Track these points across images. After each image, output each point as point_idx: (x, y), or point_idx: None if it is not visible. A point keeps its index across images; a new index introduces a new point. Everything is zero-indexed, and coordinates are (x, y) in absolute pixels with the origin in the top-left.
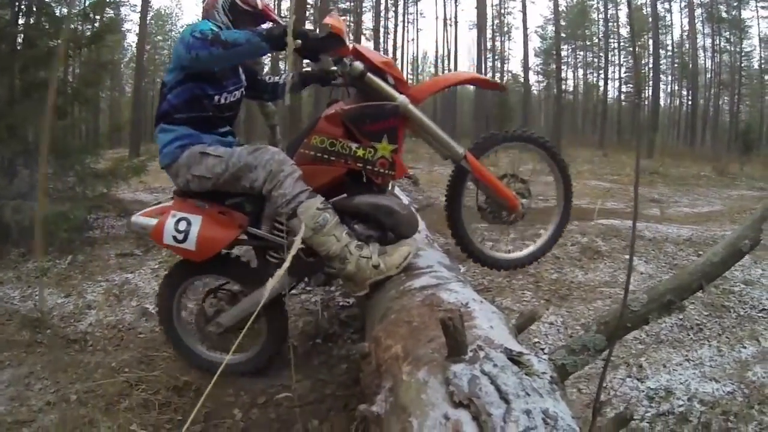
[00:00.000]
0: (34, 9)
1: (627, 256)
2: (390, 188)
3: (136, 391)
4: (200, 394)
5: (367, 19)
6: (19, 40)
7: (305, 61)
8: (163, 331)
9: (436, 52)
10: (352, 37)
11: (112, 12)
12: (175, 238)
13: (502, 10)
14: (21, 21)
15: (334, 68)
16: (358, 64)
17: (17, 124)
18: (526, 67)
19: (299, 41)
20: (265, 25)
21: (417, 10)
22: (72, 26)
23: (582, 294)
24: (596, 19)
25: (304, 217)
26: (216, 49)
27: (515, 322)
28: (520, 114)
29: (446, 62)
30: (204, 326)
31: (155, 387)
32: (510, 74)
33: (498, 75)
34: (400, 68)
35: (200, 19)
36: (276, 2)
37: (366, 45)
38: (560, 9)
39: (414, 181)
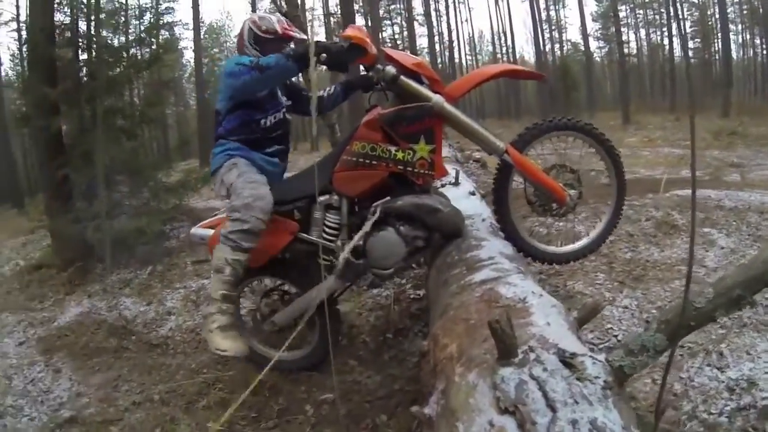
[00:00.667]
0: (94, 44)
1: (706, 229)
2: (433, 188)
3: (213, 391)
4: (274, 392)
5: (418, 4)
6: (82, 73)
7: None
8: None
9: (491, 29)
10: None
11: (167, 33)
12: None
13: None
14: (83, 56)
15: (370, 74)
16: (391, 69)
17: (91, 151)
18: (584, 34)
19: (324, 56)
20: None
21: None
22: (131, 52)
23: (658, 274)
24: None
25: (214, 253)
26: (255, 74)
27: (577, 314)
28: (584, 83)
29: (503, 39)
30: (260, 325)
31: (231, 386)
32: (569, 43)
33: (557, 45)
34: (443, 63)
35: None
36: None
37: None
38: None
39: (482, 164)
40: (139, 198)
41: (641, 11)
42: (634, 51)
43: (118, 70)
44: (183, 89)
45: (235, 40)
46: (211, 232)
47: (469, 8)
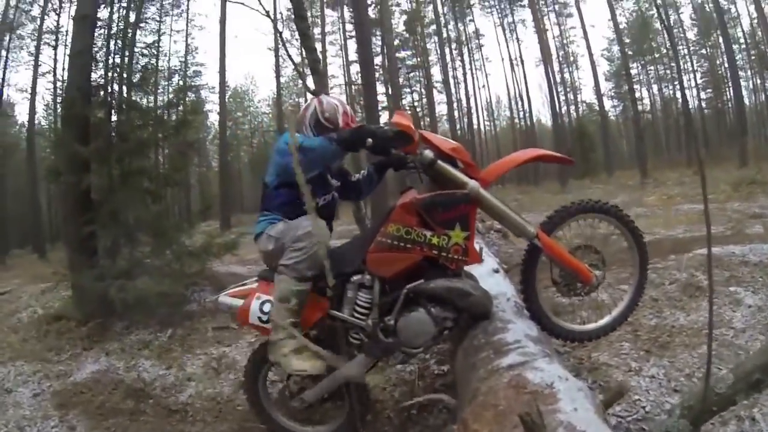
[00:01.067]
0: (124, 106)
1: (732, 288)
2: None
3: None
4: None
5: (436, 72)
6: (113, 133)
7: None
8: (249, 404)
9: (508, 94)
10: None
11: (193, 95)
12: (260, 319)
13: (564, 41)
14: (114, 117)
15: (405, 156)
16: (429, 153)
17: (118, 210)
18: (598, 94)
19: (370, 141)
20: None
21: (482, 56)
22: (159, 113)
23: (685, 339)
24: (660, 29)
25: (276, 285)
26: (300, 156)
27: (602, 397)
28: (601, 143)
29: (519, 103)
30: (288, 402)
31: None
32: (584, 104)
33: (572, 107)
34: (469, 152)
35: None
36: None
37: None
38: (621, 27)
39: (503, 233)
40: (162, 259)
41: (652, 67)
42: (648, 107)
43: (147, 132)
44: (206, 151)
45: (258, 105)
46: (240, 302)
47: (486, 74)
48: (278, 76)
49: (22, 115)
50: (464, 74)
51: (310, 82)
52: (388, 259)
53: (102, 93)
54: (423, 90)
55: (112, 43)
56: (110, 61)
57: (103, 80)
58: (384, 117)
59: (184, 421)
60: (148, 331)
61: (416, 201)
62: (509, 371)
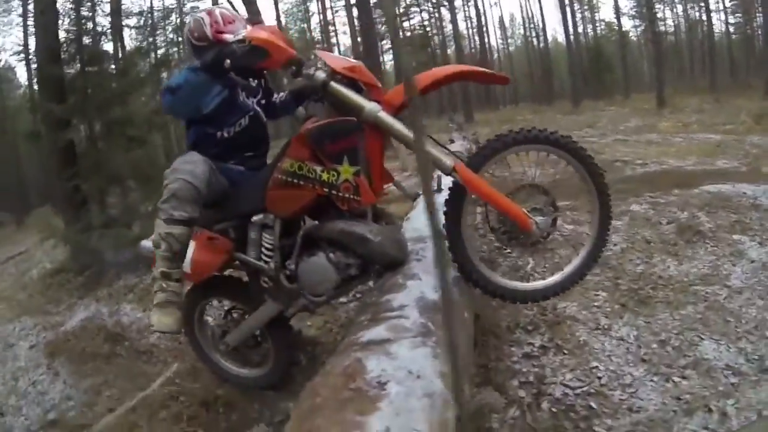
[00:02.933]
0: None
1: (736, 236)
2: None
3: (175, 403)
4: (229, 408)
5: None
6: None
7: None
8: (190, 345)
9: (521, 11)
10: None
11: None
12: None
13: None
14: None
15: (299, 79)
16: (320, 74)
17: (101, 161)
18: (617, 12)
19: (228, 61)
20: None
21: None
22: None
23: (669, 295)
24: None
25: (155, 228)
26: (168, 97)
27: (456, 413)
28: (619, 64)
29: (533, 22)
30: (216, 344)
31: (191, 400)
32: (603, 23)
33: (590, 26)
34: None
35: None
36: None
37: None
38: None
39: (476, 140)
40: (150, 204)
41: None
42: (672, 28)
43: (123, 79)
44: None
45: None
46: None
47: None
48: (276, 3)
49: (22, 77)
50: None
51: None
52: (284, 197)
53: (72, 49)
54: (431, 8)
55: None
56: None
57: (73, 36)
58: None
59: (149, 362)
60: (135, 275)
61: (306, 131)
62: (360, 351)
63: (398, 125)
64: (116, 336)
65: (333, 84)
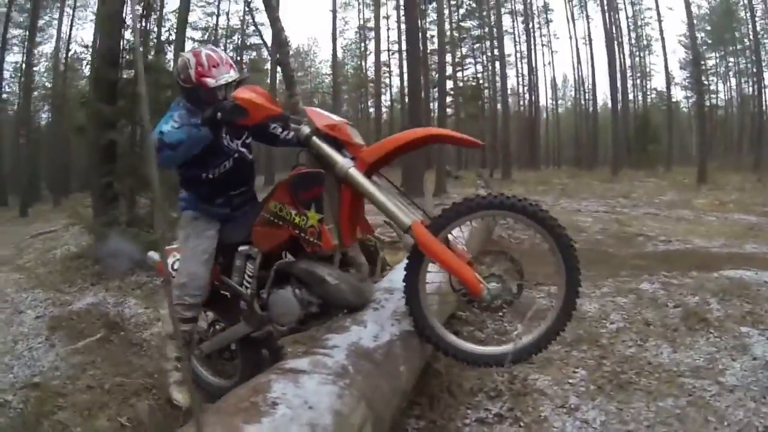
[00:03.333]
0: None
1: (745, 328)
2: (338, 256)
3: (148, 395)
4: (188, 414)
5: (508, 45)
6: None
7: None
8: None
9: (575, 73)
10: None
11: (254, 53)
12: (171, 273)
13: (639, 22)
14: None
15: (286, 133)
16: (305, 128)
17: (137, 163)
18: (667, 81)
19: (219, 114)
20: None
21: (549, 32)
22: None
23: (652, 383)
24: (745, 18)
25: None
26: (168, 153)
27: None
28: (666, 135)
29: (585, 84)
30: (193, 348)
31: (162, 395)
32: (654, 91)
33: (640, 94)
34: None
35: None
36: None
37: (318, 110)
38: (703, 11)
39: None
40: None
41: (732, 59)
42: (723, 102)
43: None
44: None
45: (319, 65)
46: (158, 258)
47: (552, 51)
48: (335, 38)
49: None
50: (528, 48)
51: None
52: (265, 233)
53: (130, 56)
54: (488, 63)
55: (140, 7)
56: (139, 25)
57: (129, 44)
58: None
59: (138, 354)
60: (146, 275)
61: (288, 178)
62: (276, 374)
63: (364, 182)
64: (114, 324)
65: (314, 139)
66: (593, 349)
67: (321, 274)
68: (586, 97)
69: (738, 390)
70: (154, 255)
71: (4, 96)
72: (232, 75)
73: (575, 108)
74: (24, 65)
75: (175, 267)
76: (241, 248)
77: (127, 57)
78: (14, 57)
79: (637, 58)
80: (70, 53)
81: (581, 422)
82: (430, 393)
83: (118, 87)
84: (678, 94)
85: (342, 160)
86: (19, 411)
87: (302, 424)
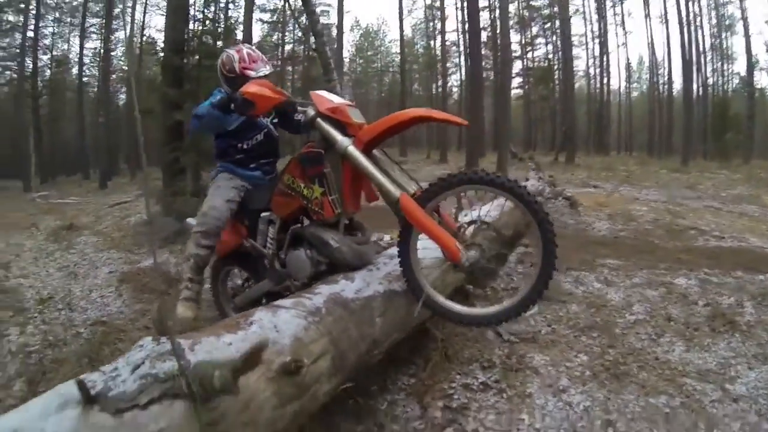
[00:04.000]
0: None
1: None
2: (343, 222)
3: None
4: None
5: (577, 22)
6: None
7: None
8: (213, 299)
9: (650, 56)
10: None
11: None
12: None
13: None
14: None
15: (298, 117)
16: (310, 111)
17: (200, 140)
18: (749, 65)
19: (232, 105)
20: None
21: (623, 10)
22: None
23: (650, 378)
24: None
25: (187, 244)
26: (195, 122)
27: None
28: (745, 123)
29: (662, 67)
30: (229, 302)
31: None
32: (738, 76)
33: (720, 78)
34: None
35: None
36: None
37: (323, 93)
38: None
39: (571, 203)
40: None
41: None
42: None
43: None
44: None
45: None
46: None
47: (625, 31)
48: (401, 18)
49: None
50: (600, 28)
51: None
52: (281, 202)
53: (194, 44)
54: (558, 43)
55: None
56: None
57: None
58: None
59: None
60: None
61: (299, 155)
62: (265, 306)
63: (360, 157)
64: (173, 281)
65: (318, 120)
66: (603, 337)
67: (325, 238)
68: (662, 81)
69: (743, 400)
70: (191, 221)
71: (85, 79)
72: (268, 69)
73: (650, 92)
74: (102, 51)
75: None
76: (263, 214)
77: (192, 45)
78: (92, 44)
79: (718, 40)
80: (145, 38)
81: (564, 404)
82: (427, 356)
83: (184, 72)
84: (764, 80)
85: (341, 139)
86: (88, 340)
87: (264, 336)
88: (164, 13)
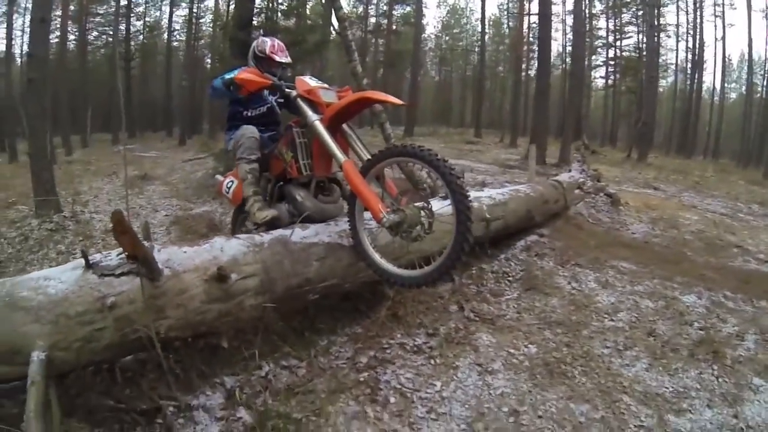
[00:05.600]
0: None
1: (759, 380)
2: (314, 183)
3: None
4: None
5: (670, 12)
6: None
7: None
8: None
9: (750, 52)
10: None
11: (409, 7)
12: (225, 191)
13: None
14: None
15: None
16: (293, 93)
17: None
18: None
19: (231, 88)
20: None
21: (723, 1)
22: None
23: (583, 384)
24: None
25: (239, 169)
26: (210, 90)
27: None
28: None
29: (754, 66)
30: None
31: None
32: None
33: None
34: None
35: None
36: None
37: (306, 78)
38: None
39: (613, 200)
40: None
41: None
42: None
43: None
44: (422, 61)
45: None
46: (220, 179)
47: (724, 24)
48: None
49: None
50: (695, 19)
51: None
52: (274, 164)
53: (261, 20)
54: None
55: None
56: None
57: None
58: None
59: None
60: None
61: (286, 126)
62: (224, 237)
63: (320, 129)
64: (215, 226)
65: (297, 100)
66: (566, 335)
67: (294, 194)
68: (764, 83)
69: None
70: (219, 176)
71: (175, 44)
72: (288, 59)
73: (749, 92)
74: (189, 19)
75: (229, 186)
76: (264, 173)
77: (258, 20)
78: (182, 11)
79: None
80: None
81: (484, 384)
82: (379, 312)
83: (248, 46)
84: None
85: (310, 114)
86: None
87: (211, 253)
88: None
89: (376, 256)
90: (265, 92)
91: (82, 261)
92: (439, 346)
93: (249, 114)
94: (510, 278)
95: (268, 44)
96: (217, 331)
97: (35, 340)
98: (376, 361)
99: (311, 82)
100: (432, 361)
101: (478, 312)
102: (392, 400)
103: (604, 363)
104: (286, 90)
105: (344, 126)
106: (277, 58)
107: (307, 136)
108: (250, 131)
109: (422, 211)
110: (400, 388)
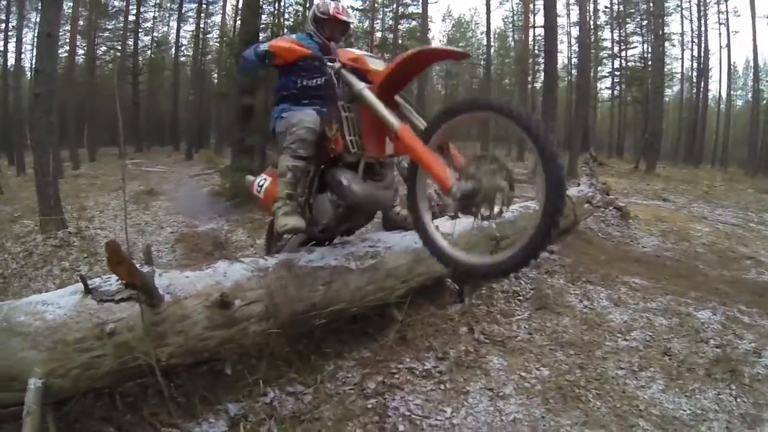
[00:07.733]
0: None
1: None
2: (363, 165)
3: None
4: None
5: (674, 21)
6: None
7: None
8: (266, 244)
9: (755, 60)
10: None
11: (414, 22)
12: (257, 190)
13: None
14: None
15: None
16: (336, 64)
17: (266, 123)
18: None
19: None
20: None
21: (728, 8)
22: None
23: (599, 408)
24: None
25: (279, 162)
26: (241, 61)
27: None
28: None
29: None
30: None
31: None
32: None
33: None
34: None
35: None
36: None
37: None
38: None
39: (622, 214)
40: None
41: None
42: None
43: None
44: (428, 75)
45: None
46: (252, 179)
47: (728, 32)
48: (489, 12)
49: None
50: (699, 26)
51: None
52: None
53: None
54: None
55: None
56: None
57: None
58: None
59: None
60: (262, 214)
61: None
62: (228, 261)
63: (370, 96)
64: (220, 244)
65: (342, 71)
66: (579, 356)
67: (339, 177)
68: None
69: None
70: (250, 177)
71: (183, 59)
72: (352, 19)
73: (756, 100)
74: (196, 35)
75: (261, 184)
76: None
77: (264, 35)
78: (189, 27)
79: None
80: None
81: (496, 410)
82: (388, 335)
83: None
84: None
85: (357, 83)
86: None
87: (214, 278)
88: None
89: (444, 243)
90: (327, 63)
91: (81, 285)
92: (449, 371)
93: (301, 83)
94: (520, 297)
95: (332, 5)
96: (220, 357)
97: (32, 367)
98: (385, 387)
99: (356, 51)
100: (442, 386)
101: (489, 334)
102: (401, 428)
103: (618, 385)
104: (328, 63)
105: (397, 97)
106: (342, 18)
107: (353, 111)
108: (310, 119)
109: (502, 181)
110: (409, 415)
